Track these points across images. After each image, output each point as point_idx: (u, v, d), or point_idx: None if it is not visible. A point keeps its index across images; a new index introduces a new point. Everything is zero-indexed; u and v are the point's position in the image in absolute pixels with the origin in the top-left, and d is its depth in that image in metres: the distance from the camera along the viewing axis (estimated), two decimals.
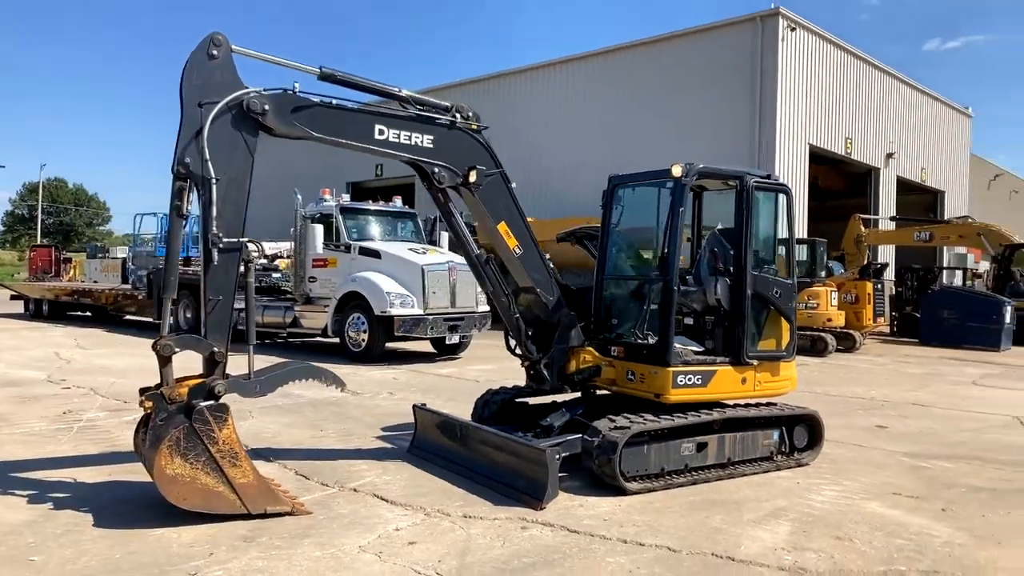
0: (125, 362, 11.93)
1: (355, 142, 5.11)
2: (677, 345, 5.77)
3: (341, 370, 10.66)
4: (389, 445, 6.62)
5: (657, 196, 6.05)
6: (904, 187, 29.05)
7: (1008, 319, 17.71)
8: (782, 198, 6.17)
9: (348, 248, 12.83)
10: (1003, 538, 4.63)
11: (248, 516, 4.46)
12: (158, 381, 4.62)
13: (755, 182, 5.89)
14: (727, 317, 5.92)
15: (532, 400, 6.61)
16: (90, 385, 9.50)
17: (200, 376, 4.70)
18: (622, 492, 5.21)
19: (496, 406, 6.44)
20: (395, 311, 11.80)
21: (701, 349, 5.98)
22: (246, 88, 4.73)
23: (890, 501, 5.34)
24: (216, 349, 4.66)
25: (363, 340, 12.25)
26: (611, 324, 6.24)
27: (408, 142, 5.28)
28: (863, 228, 21.38)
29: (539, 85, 27.74)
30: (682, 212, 5.65)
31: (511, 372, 10.72)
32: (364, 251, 12.68)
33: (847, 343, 16.30)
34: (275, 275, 16.19)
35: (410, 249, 12.84)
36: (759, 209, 5.94)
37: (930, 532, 4.70)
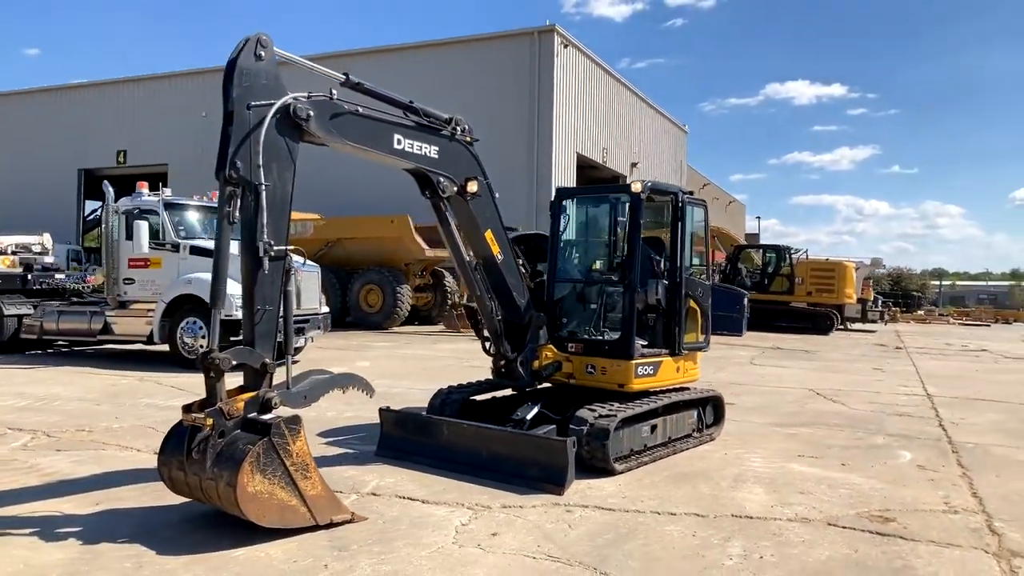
0: None
1: (379, 151, 5.16)
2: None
3: (180, 379, 10.15)
4: (350, 450, 6.60)
5: (609, 208, 6.75)
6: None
7: (746, 309, 21.07)
8: (700, 211, 7.18)
9: (176, 247, 11.89)
10: (905, 482, 5.99)
11: (315, 527, 4.42)
12: (204, 396, 4.39)
13: (687, 197, 6.83)
14: (665, 315, 6.80)
15: (479, 397, 6.98)
16: None
17: (245, 389, 4.53)
18: (609, 473, 5.84)
19: (457, 404, 6.70)
20: (239, 314, 11.19)
21: (646, 343, 6.80)
22: (288, 93, 4.62)
23: (802, 462, 6.57)
24: (267, 360, 4.53)
25: (200, 346, 11.46)
26: (562, 323, 6.84)
27: (419, 152, 5.43)
28: None
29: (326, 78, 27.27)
30: (641, 224, 6.41)
31: (363, 373, 10.86)
32: (197, 250, 11.82)
33: None
34: (59, 276, 14.45)
35: None
36: (689, 220, 6.89)
37: (853, 482, 5.94)
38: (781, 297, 24.27)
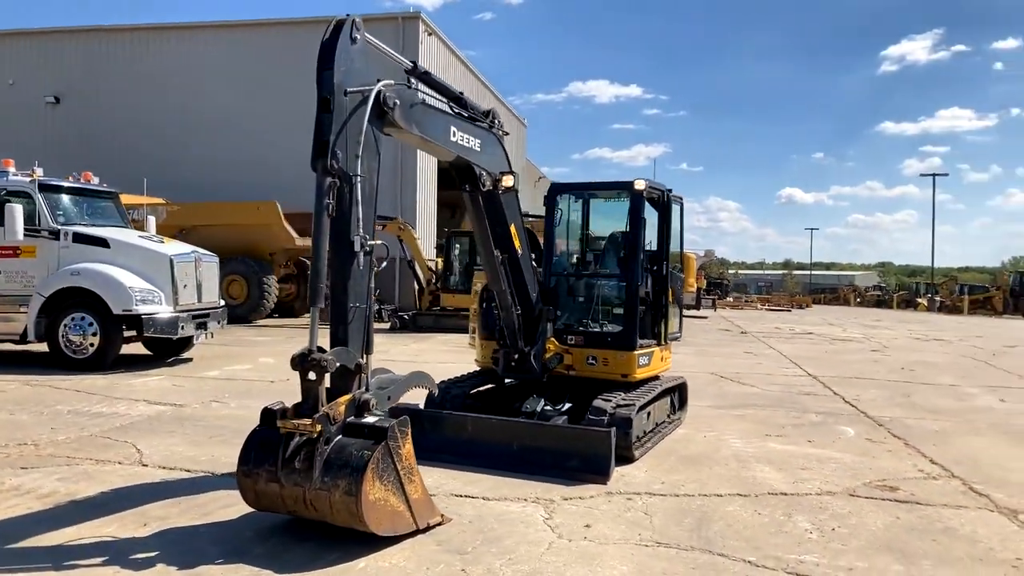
0: None
1: (438, 143, 5.02)
2: None
3: (82, 382, 9.19)
4: None
5: (608, 204, 6.95)
6: None
7: None
8: (676, 207, 7.58)
9: (56, 234, 10.60)
10: (872, 455, 6.73)
11: (414, 532, 4.27)
12: (297, 401, 4.11)
13: (671, 195, 7.19)
14: (652, 307, 7.13)
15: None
16: None
17: (334, 392, 4.27)
18: (628, 460, 6.08)
19: (459, 400, 6.64)
20: (142, 309, 10.26)
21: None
22: (375, 79, 4.39)
23: (775, 441, 7.16)
24: (360, 360, 4.30)
25: (91, 345, 10.34)
26: (558, 316, 6.96)
27: (467, 144, 5.33)
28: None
29: (170, 48, 25.18)
30: (643, 220, 6.67)
31: (275, 369, 10.44)
32: (81, 238, 10.62)
33: None
34: None
35: (141, 236, 11.18)
36: (674, 216, 7.26)
37: (833, 457, 6.59)
38: None
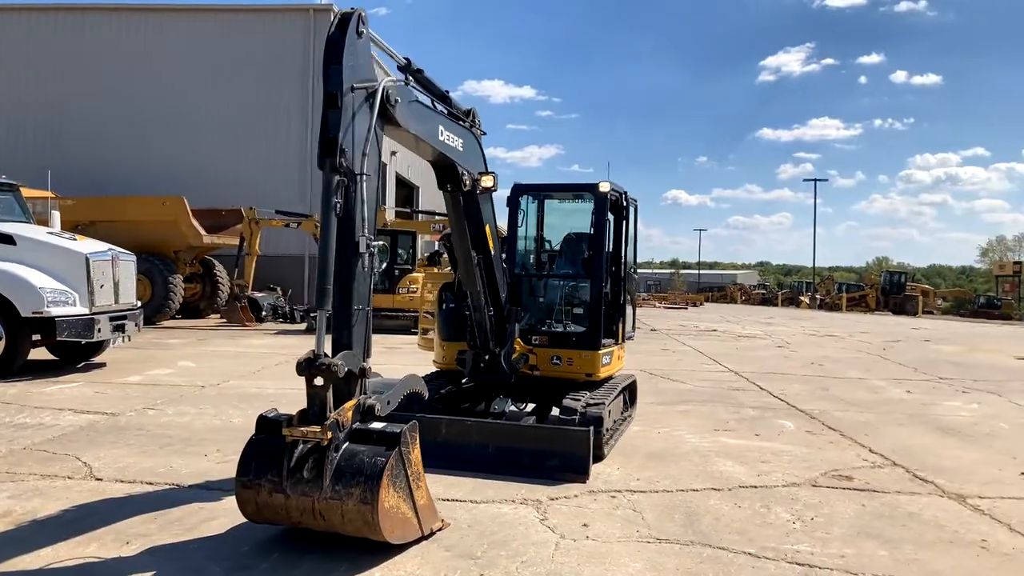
0: None
1: (430, 142, 4.92)
2: None
3: None
4: None
5: (571, 206, 7.01)
6: (397, 182, 32.96)
7: None
8: (632, 210, 7.72)
9: None
10: (818, 447, 7.10)
11: (419, 539, 4.19)
12: (303, 408, 3.95)
13: (630, 196, 7.33)
14: (611, 307, 7.24)
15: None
16: None
17: (339, 397, 4.13)
18: (598, 458, 6.16)
19: (427, 402, 6.53)
20: (56, 311, 9.56)
21: None
22: (375, 74, 4.27)
23: (725, 435, 7.43)
24: (364, 364, 4.17)
25: None
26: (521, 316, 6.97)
27: (452, 144, 5.25)
28: (388, 218, 24.00)
29: (80, 30, 23.56)
30: (607, 222, 6.77)
31: (198, 373, 10.00)
32: None
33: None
34: None
35: (51, 233, 10.41)
36: (632, 218, 7.40)
37: (784, 450, 6.90)
38: None
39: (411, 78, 4.75)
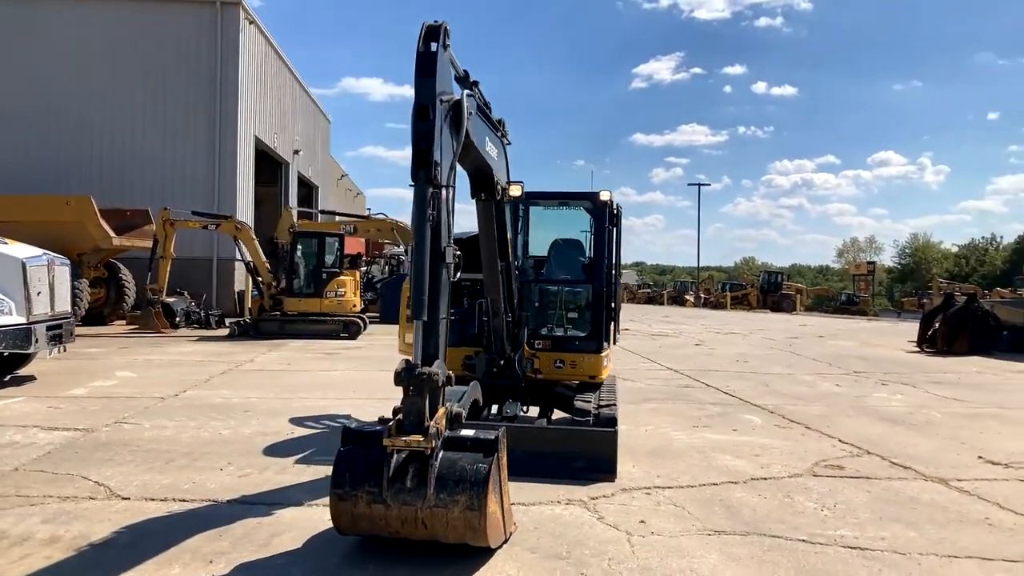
0: None
1: (481, 152, 5.00)
2: None
3: None
4: None
5: (572, 213, 7.20)
6: (299, 182, 32.15)
7: None
8: (619, 217, 7.99)
9: None
10: (796, 439, 7.62)
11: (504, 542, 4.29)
12: (397, 418, 3.97)
13: (618, 204, 7.60)
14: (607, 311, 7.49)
15: None
16: None
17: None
18: None
19: None
20: None
21: None
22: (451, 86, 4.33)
23: (706, 431, 7.84)
24: (450, 373, 4.22)
25: None
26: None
27: (492, 153, 5.35)
28: (295, 219, 23.47)
29: None
30: (609, 230, 7.01)
31: (144, 384, 9.64)
32: None
33: (355, 327, 18.24)
34: None
35: None
36: (621, 224, 7.67)
37: (766, 443, 7.37)
38: None
39: (470, 89, 4.81)
